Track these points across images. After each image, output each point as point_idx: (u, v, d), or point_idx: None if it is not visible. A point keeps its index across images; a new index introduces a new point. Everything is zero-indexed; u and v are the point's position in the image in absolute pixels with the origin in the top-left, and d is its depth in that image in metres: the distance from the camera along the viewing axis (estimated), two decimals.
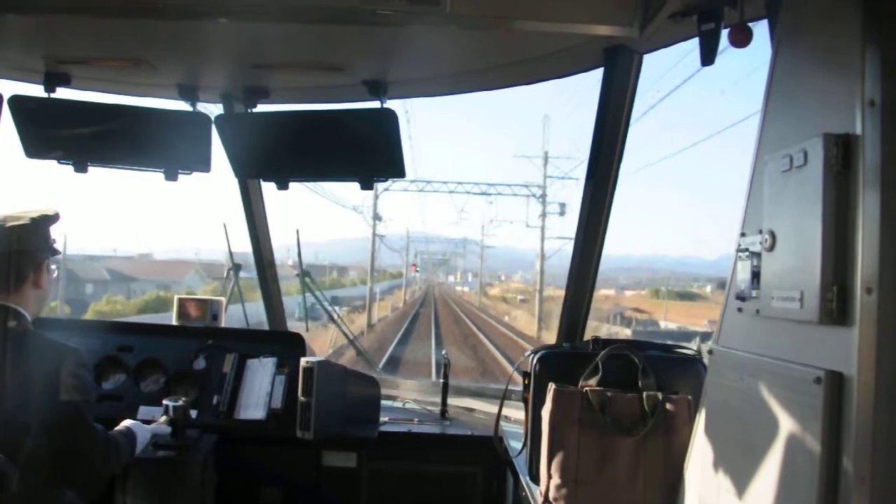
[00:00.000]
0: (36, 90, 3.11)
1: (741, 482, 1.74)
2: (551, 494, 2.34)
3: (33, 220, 2.34)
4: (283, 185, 3.31)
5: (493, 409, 3.09)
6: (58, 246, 2.46)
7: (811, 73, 1.67)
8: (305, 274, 4.06)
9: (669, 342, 2.87)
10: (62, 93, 3.14)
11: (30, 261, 2.34)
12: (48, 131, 3.20)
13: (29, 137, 3.22)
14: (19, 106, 3.11)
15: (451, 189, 40.28)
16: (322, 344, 14.73)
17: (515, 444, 2.86)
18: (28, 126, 3.18)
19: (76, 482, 2.31)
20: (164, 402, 2.91)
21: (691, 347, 2.66)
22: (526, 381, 2.67)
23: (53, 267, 2.47)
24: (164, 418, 2.85)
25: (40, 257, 2.37)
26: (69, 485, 2.28)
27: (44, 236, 2.39)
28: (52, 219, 2.41)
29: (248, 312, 4.15)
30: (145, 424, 2.70)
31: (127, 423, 2.61)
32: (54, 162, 3.30)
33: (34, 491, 2.12)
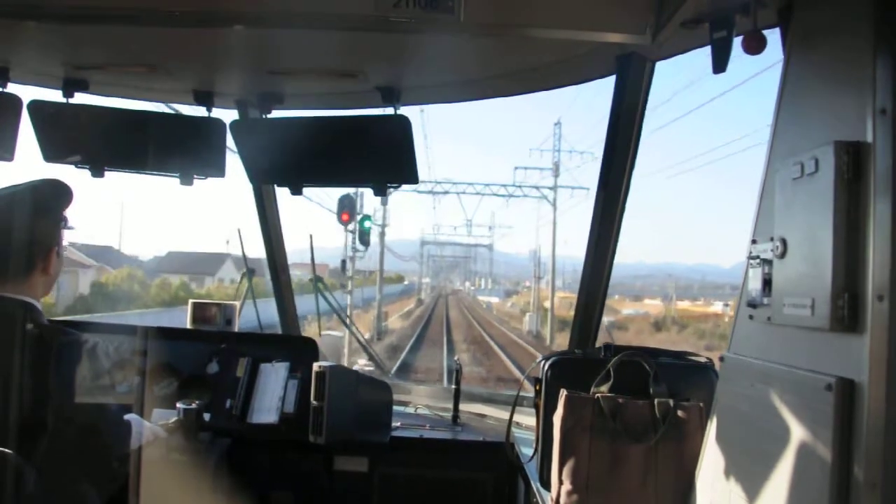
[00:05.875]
0: (55, 95, 3.16)
1: (752, 489, 1.74)
2: (562, 500, 2.34)
3: (43, 201, 2.29)
4: (296, 191, 3.34)
5: (505, 415, 3.10)
6: (68, 229, 2.37)
7: (823, 80, 1.68)
8: (318, 279, 4.09)
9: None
10: (80, 98, 3.18)
11: (39, 248, 2.28)
12: (66, 136, 3.24)
13: (47, 142, 3.26)
14: (38, 111, 3.15)
15: (461, 190, 39.45)
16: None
17: (527, 451, 2.86)
18: (47, 130, 3.22)
19: (95, 473, 2.32)
20: (178, 405, 2.93)
21: (703, 355, 2.65)
22: (537, 388, 2.67)
23: (65, 243, 2.40)
24: (173, 420, 2.88)
25: (50, 242, 2.31)
26: (86, 476, 2.29)
27: (55, 219, 2.33)
28: (65, 199, 2.35)
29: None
30: (147, 423, 2.74)
31: (126, 417, 2.63)
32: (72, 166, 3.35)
33: (51, 489, 2.14)
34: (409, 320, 47.96)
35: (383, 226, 36.43)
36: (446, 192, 39.81)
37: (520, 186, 39.26)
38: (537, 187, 39.07)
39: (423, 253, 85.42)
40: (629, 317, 54.23)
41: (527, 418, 3.26)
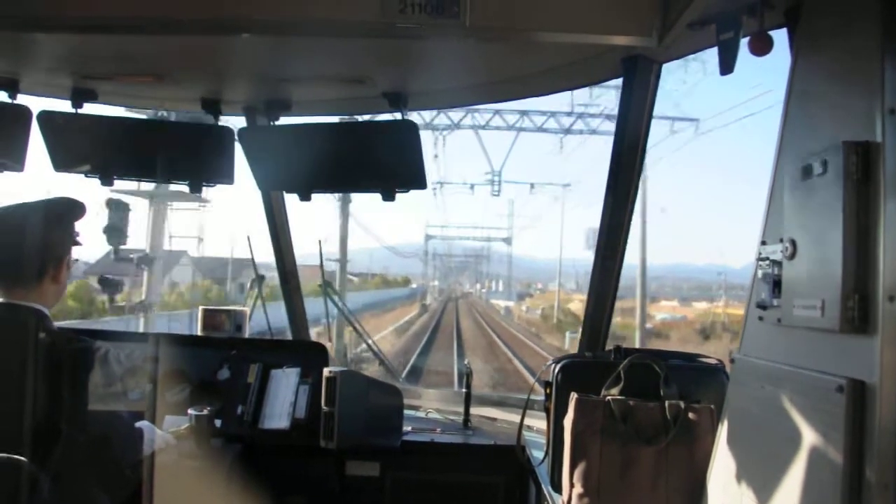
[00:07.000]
0: (64, 106, 3.18)
1: (763, 491, 1.73)
2: (573, 503, 2.34)
3: (56, 214, 2.34)
4: (305, 197, 3.35)
5: (516, 418, 3.09)
6: (80, 239, 2.42)
7: (831, 81, 1.67)
8: (327, 284, 4.10)
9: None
10: (89, 108, 3.21)
11: (50, 256, 2.31)
12: (75, 145, 3.27)
13: (57, 151, 3.29)
14: (48, 121, 3.18)
15: (481, 122, 22.62)
16: None
17: (538, 454, 2.86)
18: (56, 140, 3.25)
19: (107, 480, 2.33)
20: (189, 411, 2.94)
21: (713, 357, 2.65)
22: (548, 391, 2.67)
23: (75, 258, 2.45)
24: (185, 427, 2.89)
25: (61, 252, 2.35)
26: (99, 483, 2.30)
27: (67, 231, 2.38)
28: (77, 213, 2.40)
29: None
30: (159, 430, 2.76)
31: (139, 424, 2.65)
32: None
33: (64, 497, 2.15)
34: (406, 336, 33.61)
35: None
36: (456, 126, 23.20)
37: (581, 115, 22.57)
38: (610, 117, 20.99)
39: (429, 249, 73.57)
40: (666, 322, 43.97)
41: (537, 421, 3.25)
